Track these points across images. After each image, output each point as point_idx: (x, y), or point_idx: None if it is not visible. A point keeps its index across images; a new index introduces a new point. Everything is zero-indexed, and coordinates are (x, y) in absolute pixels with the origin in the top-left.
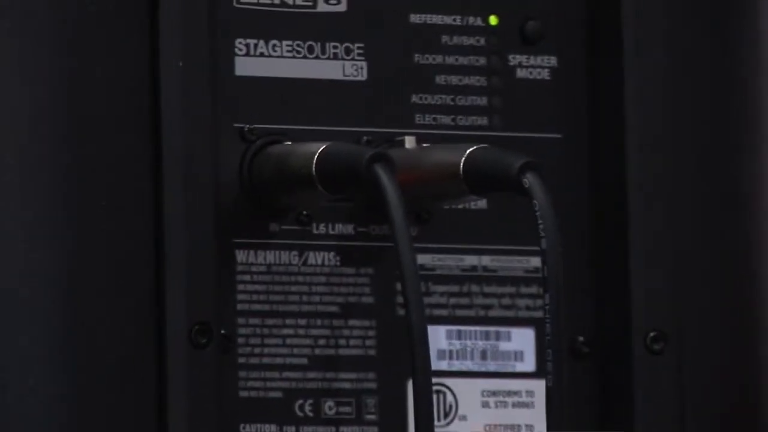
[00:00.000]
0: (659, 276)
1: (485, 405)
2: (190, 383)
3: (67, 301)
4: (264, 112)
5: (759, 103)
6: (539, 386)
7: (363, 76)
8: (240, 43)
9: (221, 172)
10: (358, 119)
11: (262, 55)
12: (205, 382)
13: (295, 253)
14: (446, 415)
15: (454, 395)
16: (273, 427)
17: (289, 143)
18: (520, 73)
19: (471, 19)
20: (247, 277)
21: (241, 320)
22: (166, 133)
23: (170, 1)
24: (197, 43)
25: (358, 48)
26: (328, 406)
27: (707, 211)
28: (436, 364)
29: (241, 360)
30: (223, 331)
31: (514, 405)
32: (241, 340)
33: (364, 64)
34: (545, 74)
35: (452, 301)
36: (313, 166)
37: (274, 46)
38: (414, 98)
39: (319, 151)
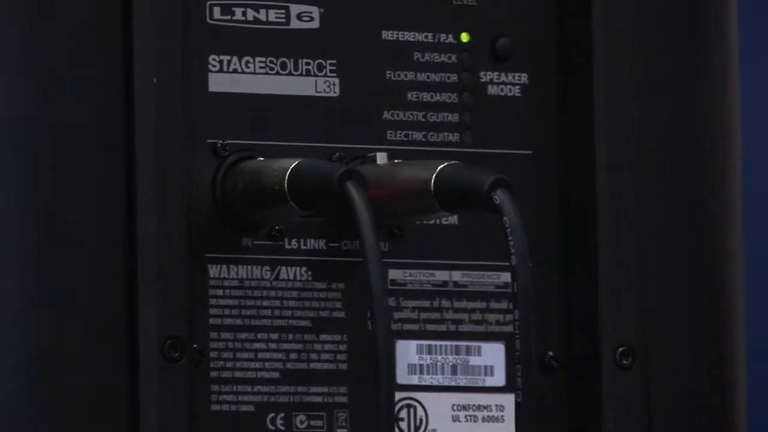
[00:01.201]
0: (628, 292)
1: (455, 419)
2: (162, 397)
3: (39, 315)
4: (237, 128)
5: (728, 119)
6: (509, 400)
7: (335, 92)
8: (213, 59)
9: (194, 187)
10: (330, 135)
11: (235, 71)
12: (177, 396)
13: (267, 267)
14: (416, 429)
15: (425, 409)
16: None
17: (262, 159)
18: (491, 90)
19: (443, 36)
20: (220, 292)
21: (213, 334)
22: (139, 149)
23: (143, 17)
24: (170, 59)
25: (331, 65)
26: (300, 420)
27: (675, 227)
28: (407, 379)
29: (213, 374)
30: (195, 345)
31: (484, 419)
32: (213, 354)
33: (336, 80)
34: (516, 91)
35: (423, 315)
36: (285, 182)
37: (247, 62)
38: (386, 114)
39: (291, 167)
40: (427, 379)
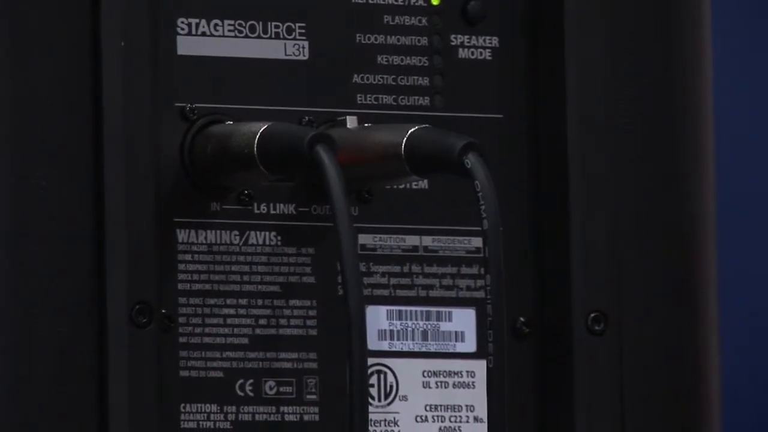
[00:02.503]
0: (600, 257)
1: (426, 385)
2: (130, 363)
3: (7, 282)
4: (206, 92)
5: (701, 80)
6: (480, 367)
7: (305, 55)
8: (182, 22)
9: (162, 151)
10: (299, 99)
11: (204, 34)
12: (145, 362)
13: (236, 232)
14: (387, 395)
15: (395, 375)
16: (214, 407)
17: (231, 123)
18: (462, 53)
19: None
20: (188, 257)
21: (182, 300)
22: (107, 113)
23: None
24: (139, 22)
25: (300, 28)
26: (269, 386)
27: (648, 192)
28: (377, 345)
29: (182, 340)
30: (163, 311)
31: (454, 385)
32: (182, 320)
33: (305, 43)
34: (486, 54)
35: (393, 281)
36: (255, 146)
37: (216, 25)
38: (356, 78)
39: (260, 131)
40: (398, 345)
